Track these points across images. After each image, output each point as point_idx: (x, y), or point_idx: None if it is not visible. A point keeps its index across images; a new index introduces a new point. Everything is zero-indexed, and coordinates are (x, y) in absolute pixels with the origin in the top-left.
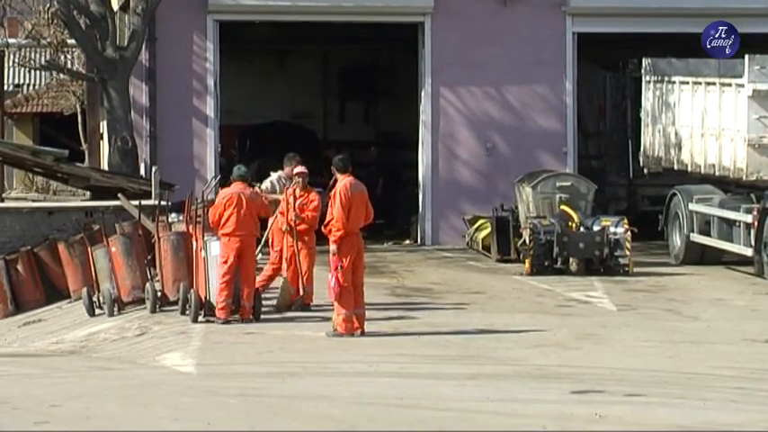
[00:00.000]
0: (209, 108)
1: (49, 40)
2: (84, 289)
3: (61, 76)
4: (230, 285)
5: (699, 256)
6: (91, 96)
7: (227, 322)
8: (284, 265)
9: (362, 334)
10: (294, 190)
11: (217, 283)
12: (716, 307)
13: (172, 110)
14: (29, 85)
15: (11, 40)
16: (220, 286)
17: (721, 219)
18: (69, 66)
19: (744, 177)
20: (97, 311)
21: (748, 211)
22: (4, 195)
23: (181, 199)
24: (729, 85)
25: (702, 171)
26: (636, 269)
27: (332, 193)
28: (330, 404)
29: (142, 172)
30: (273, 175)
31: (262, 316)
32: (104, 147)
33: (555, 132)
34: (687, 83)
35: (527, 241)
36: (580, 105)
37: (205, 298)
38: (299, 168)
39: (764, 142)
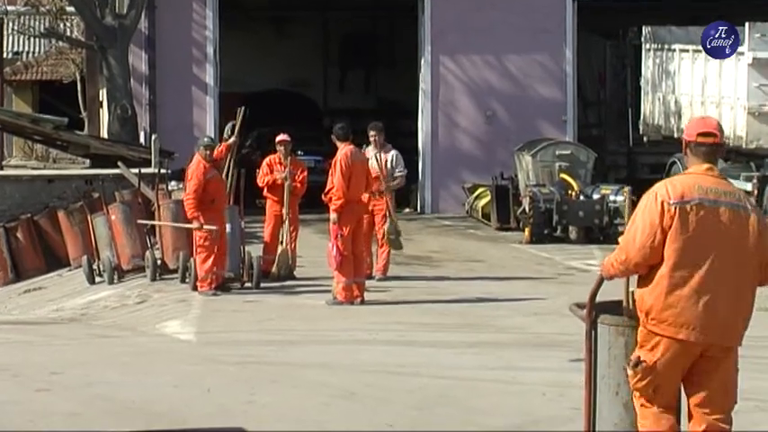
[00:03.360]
0: (209, 76)
1: (48, 7)
2: (84, 257)
3: (60, 43)
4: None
5: None
6: (90, 64)
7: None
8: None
9: (362, 302)
10: (279, 158)
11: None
12: None
13: (171, 78)
14: (28, 52)
15: (10, 8)
16: None
17: None
18: (68, 33)
19: (743, 145)
20: (97, 279)
21: (748, 179)
22: (3, 163)
23: (180, 167)
24: None
25: None
26: None
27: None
28: (329, 372)
29: (142, 140)
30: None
31: (261, 284)
32: (104, 115)
33: (555, 101)
34: (687, 51)
35: (527, 209)
36: (580, 74)
37: None
38: (282, 136)
39: (764, 110)
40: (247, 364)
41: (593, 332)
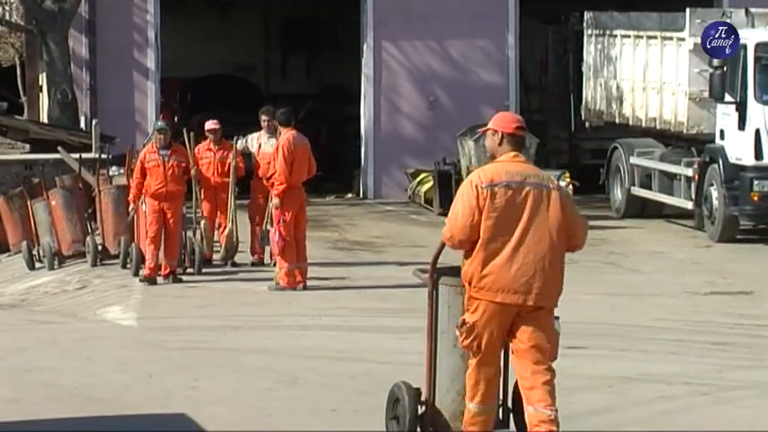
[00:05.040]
0: (150, 61)
1: None
2: (24, 242)
3: None
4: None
5: (640, 210)
6: (30, 48)
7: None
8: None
9: (305, 288)
10: (208, 145)
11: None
12: (656, 260)
13: (112, 62)
14: None
15: None
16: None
17: (662, 172)
18: (7, 17)
19: (684, 131)
20: (37, 265)
21: (689, 165)
22: None
23: (121, 152)
24: (671, 38)
25: (644, 125)
26: None
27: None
28: (272, 357)
29: (82, 125)
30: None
31: (203, 270)
32: (44, 99)
33: (497, 86)
34: (629, 36)
35: None
36: (522, 59)
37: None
38: (210, 125)
39: (705, 96)
40: (190, 349)
41: (434, 293)
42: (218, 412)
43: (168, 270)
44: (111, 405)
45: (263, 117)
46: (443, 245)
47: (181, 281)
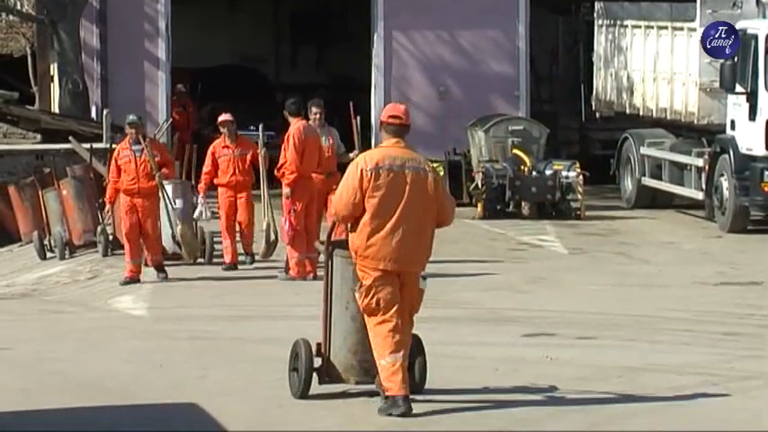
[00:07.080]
0: (161, 51)
1: None
2: (35, 232)
3: (10, 17)
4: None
5: (650, 200)
6: (41, 38)
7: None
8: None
9: (315, 278)
10: (224, 141)
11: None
12: (666, 250)
13: (123, 52)
14: None
15: None
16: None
17: (672, 163)
18: (19, 7)
19: (695, 121)
20: (48, 255)
21: (699, 155)
22: None
23: None
24: (681, 29)
25: (654, 115)
26: (587, 213)
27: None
28: (280, 347)
29: (93, 115)
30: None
31: (213, 260)
32: (55, 89)
33: (507, 76)
34: (639, 27)
35: (479, 185)
36: (532, 49)
37: None
38: (224, 116)
39: (716, 86)
40: (199, 339)
41: (329, 262)
42: (227, 402)
43: (153, 263)
44: (121, 395)
45: (315, 110)
46: (335, 222)
47: (166, 277)
